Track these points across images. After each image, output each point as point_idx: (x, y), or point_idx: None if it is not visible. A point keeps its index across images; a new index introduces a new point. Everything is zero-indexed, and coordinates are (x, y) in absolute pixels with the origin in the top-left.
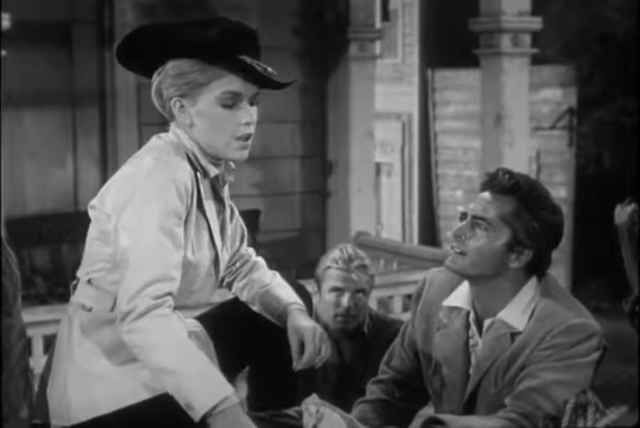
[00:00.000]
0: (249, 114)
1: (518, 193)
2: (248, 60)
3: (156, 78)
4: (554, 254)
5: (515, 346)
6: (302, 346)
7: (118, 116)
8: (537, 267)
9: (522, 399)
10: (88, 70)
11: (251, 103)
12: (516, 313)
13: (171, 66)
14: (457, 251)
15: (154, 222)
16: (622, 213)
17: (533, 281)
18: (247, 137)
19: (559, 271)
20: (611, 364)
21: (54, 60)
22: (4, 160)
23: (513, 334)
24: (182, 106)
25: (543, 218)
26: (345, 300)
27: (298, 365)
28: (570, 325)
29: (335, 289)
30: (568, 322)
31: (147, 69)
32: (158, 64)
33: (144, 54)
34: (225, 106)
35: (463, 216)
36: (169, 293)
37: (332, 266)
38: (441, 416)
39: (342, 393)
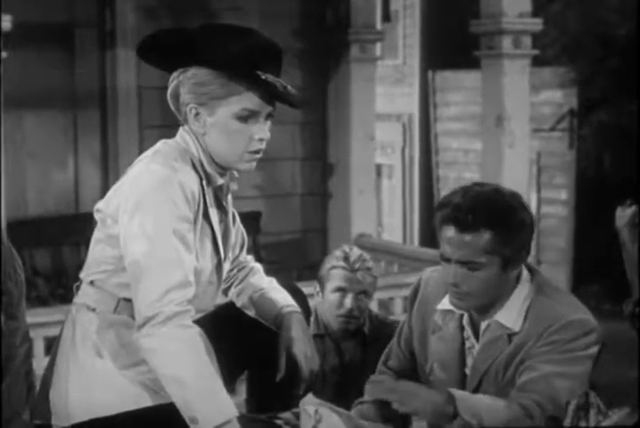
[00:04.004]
0: (263, 131)
1: (486, 223)
2: (269, 77)
3: (174, 80)
4: (555, 256)
5: (513, 346)
6: (291, 358)
7: (119, 118)
8: (524, 264)
9: (524, 390)
10: (89, 72)
11: (267, 117)
12: (512, 314)
13: (192, 74)
14: (460, 294)
15: (168, 228)
16: (623, 215)
17: (525, 279)
18: (258, 151)
19: (560, 273)
20: (612, 365)
21: (56, 62)
22: (5, 161)
23: (510, 335)
24: (198, 114)
25: (519, 229)
26: (348, 300)
27: (299, 389)
28: (567, 322)
29: (339, 289)
30: (565, 318)
31: (166, 66)
32: (178, 65)
33: (166, 55)
34: (242, 121)
35: (447, 260)
36: (189, 300)
37: (337, 265)
38: (453, 391)
39: (342, 394)
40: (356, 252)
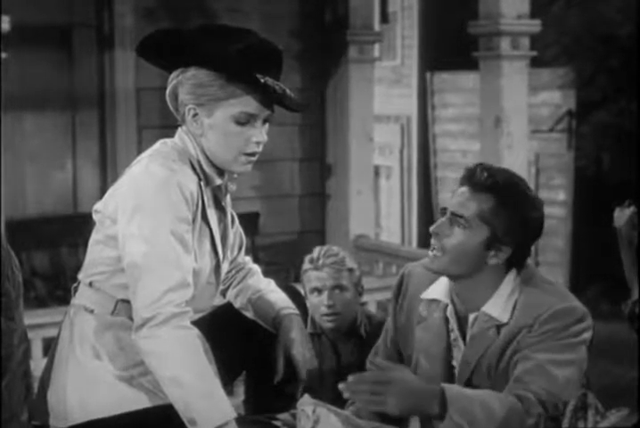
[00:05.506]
0: (260, 133)
1: (495, 190)
2: (269, 81)
3: (174, 80)
4: (554, 257)
5: (503, 337)
6: (289, 360)
7: (117, 119)
8: (517, 261)
9: (521, 381)
10: (88, 74)
11: (265, 121)
12: (499, 305)
13: (191, 74)
14: (435, 248)
15: (167, 229)
16: (621, 215)
17: (513, 272)
18: (254, 154)
19: (558, 274)
20: (611, 366)
21: (54, 63)
22: (4, 162)
23: (499, 327)
24: (196, 114)
25: (522, 215)
26: (324, 298)
27: (297, 391)
28: (555, 311)
29: (313, 290)
30: (553, 308)
31: (166, 65)
32: (178, 65)
33: (166, 55)
34: (239, 123)
35: (444, 211)
36: (188, 301)
37: (307, 268)
38: (447, 390)
39: (340, 395)
40: (323, 250)
